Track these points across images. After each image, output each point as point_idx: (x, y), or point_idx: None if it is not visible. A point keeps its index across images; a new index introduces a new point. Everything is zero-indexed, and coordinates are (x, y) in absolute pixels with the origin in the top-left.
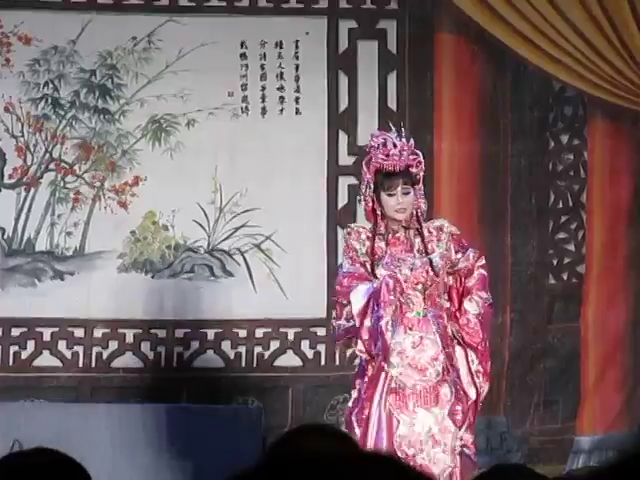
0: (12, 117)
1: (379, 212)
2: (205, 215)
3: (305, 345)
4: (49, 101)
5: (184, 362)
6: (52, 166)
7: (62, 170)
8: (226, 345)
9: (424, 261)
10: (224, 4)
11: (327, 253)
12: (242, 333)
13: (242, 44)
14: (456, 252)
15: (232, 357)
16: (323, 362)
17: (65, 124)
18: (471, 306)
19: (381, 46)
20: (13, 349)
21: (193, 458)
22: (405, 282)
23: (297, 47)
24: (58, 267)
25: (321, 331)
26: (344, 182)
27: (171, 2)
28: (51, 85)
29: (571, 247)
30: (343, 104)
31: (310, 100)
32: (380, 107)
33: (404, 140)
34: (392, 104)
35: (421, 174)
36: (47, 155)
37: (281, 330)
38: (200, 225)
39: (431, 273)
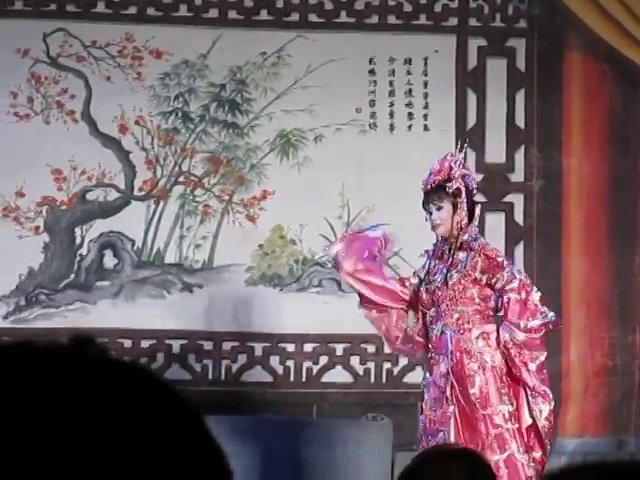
0: (142, 130)
1: None
2: (332, 230)
3: None
4: (179, 115)
5: (313, 377)
6: (181, 179)
7: (191, 183)
8: (355, 360)
9: (441, 278)
10: (353, 20)
11: None
12: (371, 349)
13: (370, 60)
14: (482, 272)
15: (361, 373)
16: None
17: (194, 138)
18: (503, 334)
19: (510, 64)
20: (142, 361)
21: (324, 471)
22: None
23: (426, 64)
24: (187, 279)
25: None
26: None
27: (301, 18)
28: (181, 99)
29: None
30: (471, 121)
31: (438, 117)
32: (508, 124)
33: (449, 157)
34: (520, 122)
35: (458, 186)
36: (176, 168)
37: None
38: (328, 240)
39: (445, 290)
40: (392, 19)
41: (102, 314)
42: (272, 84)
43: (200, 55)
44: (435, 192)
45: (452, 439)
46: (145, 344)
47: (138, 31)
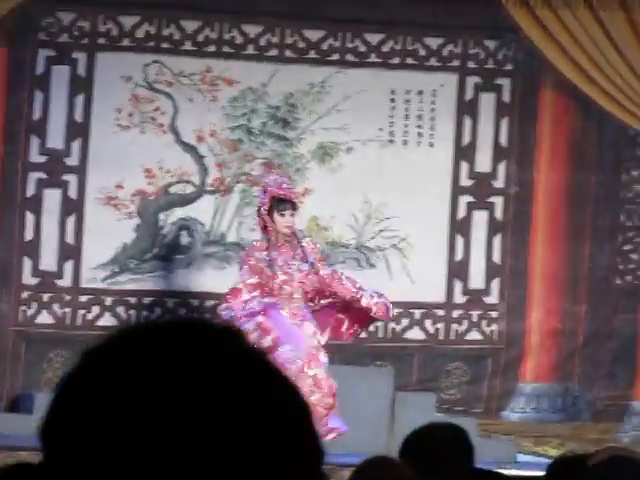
0: (215, 140)
1: (271, 228)
2: (356, 220)
3: (428, 323)
4: (243, 129)
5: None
6: (242, 179)
7: (250, 182)
8: None
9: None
10: (380, 61)
11: (448, 252)
12: None
13: (392, 92)
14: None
15: (372, 329)
16: (442, 337)
17: (254, 147)
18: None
19: (498, 97)
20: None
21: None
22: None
23: (434, 95)
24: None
25: (440, 312)
26: (463, 199)
27: (340, 58)
28: (246, 117)
29: (635, 256)
30: (466, 140)
31: (441, 136)
32: (494, 144)
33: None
34: (503, 142)
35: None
36: (239, 170)
37: (409, 310)
38: (352, 228)
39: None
40: (410, 60)
41: (177, 280)
42: (315, 108)
43: (262, 84)
44: (292, 203)
45: None
46: (209, 303)
47: (215, 64)
